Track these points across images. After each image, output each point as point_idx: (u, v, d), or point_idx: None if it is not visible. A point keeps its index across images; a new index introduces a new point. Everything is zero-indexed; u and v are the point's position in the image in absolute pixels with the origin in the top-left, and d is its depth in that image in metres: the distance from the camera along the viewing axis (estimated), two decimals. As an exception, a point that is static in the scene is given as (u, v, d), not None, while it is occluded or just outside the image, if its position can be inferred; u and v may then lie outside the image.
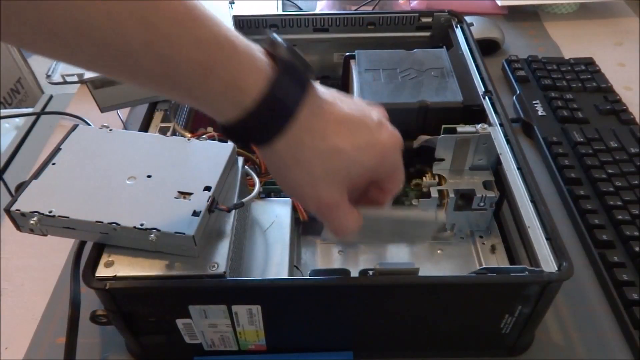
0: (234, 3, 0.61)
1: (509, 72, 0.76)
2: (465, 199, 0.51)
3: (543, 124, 0.67)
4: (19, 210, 0.38)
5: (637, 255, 0.50)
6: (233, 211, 0.42)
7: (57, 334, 0.49)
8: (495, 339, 0.44)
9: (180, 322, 0.41)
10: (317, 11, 0.89)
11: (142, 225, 0.38)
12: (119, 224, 0.38)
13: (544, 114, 0.68)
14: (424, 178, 0.54)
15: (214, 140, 0.47)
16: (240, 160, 0.47)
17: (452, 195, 0.50)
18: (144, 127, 0.53)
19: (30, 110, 0.81)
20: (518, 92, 0.72)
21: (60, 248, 0.56)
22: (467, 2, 0.90)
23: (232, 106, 0.29)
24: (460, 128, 0.50)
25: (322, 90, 0.33)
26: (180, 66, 0.27)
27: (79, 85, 0.75)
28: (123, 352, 0.47)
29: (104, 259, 0.39)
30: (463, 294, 0.40)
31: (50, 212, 0.38)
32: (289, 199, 0.52)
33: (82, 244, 0.42)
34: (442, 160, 0.52)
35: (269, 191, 0.54)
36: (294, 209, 0.51)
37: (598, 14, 0.92)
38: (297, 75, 0.31)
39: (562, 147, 0.63)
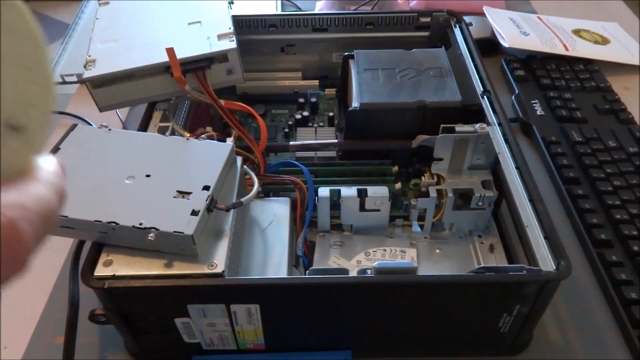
0: (233, 3, 0.61)
1: (508, 72, 0.76)
2: (463, 198, 0.51)
3: (542, 124, 0.67)
4: (17, 209, 0.38)
5: (635, 254, 0.50)
6: (232, 210, 0.42)
7: (55, 334, 0.49)
8: (494, 338, 0.44)
9: (179, 321, 0.41)
10: (316, 11, 0.89)
11: (140, 224, 0.38)
12: (117, 223, 0.38)
13: (542, 113, 0.68)
14: (422, 177, 0.54)
15: (212, 139, 0.47)
16: (239, 159, 0.47)
17: (450, 194, 0.50)
18: (143, 127, 0.53)
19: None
20: (517, 91, 0.72)
21: (59, 248, 0.56)
22: (466, 2, 0.90)
23: None
24: (458, 127, 0.50)
25: None
26: None
27: (78, 84, 0.76)
28: (122, 351, 0.47)
29: (103, 258, 0.39)
30: (461, 293, 0.40)
31: (49, 211, 0.38)
32: (287, 198, 0.52)
33: (80, 244, 0.42)
34: (441, 159, 0.52)
35: (268, 191, 0.54)
36: (293, 209, 0.51)
37: (597, 13, 0.92)
38: None
39: (561, 146, 0.63)
